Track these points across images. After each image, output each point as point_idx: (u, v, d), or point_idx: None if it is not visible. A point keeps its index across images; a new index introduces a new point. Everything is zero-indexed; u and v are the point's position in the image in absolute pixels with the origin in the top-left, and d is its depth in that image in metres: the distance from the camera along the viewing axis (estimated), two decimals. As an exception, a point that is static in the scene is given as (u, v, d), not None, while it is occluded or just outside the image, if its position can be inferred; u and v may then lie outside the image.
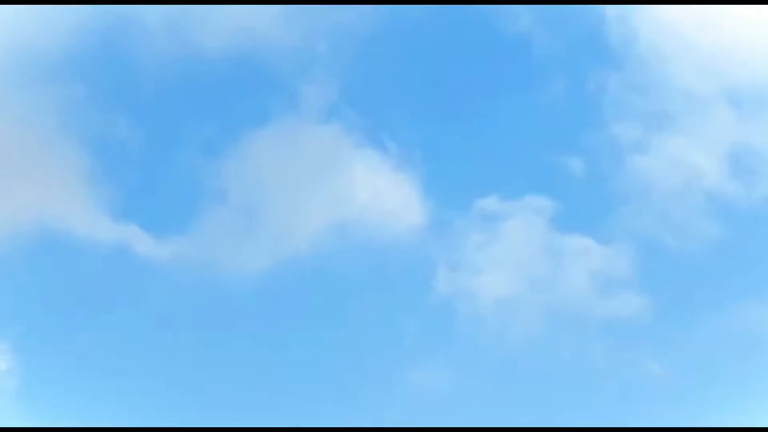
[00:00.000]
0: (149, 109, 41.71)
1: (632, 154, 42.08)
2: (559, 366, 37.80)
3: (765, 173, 42.43)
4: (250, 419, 35.37)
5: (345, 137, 41.94)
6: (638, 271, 39.99)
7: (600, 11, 42.30)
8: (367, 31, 42.84)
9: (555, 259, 40.40)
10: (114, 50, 42.32)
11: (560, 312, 39.07)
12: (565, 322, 39.09)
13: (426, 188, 41.19)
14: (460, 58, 42.76)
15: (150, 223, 39.96)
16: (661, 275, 39.92)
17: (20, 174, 39.96)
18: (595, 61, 42.41)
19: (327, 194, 40.92)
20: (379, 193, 41.04)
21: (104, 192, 40.37)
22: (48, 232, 39.37)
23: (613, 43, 42.51)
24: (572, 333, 38.76)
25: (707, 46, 43.62)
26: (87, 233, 39.41)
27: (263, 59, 42.40)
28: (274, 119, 42.06)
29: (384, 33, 43.02)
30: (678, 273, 39.86)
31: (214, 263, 39.50)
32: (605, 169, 41.86)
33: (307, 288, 39.07)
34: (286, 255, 39.74)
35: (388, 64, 42.86)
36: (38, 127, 40.84)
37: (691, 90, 43.43)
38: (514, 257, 40.48)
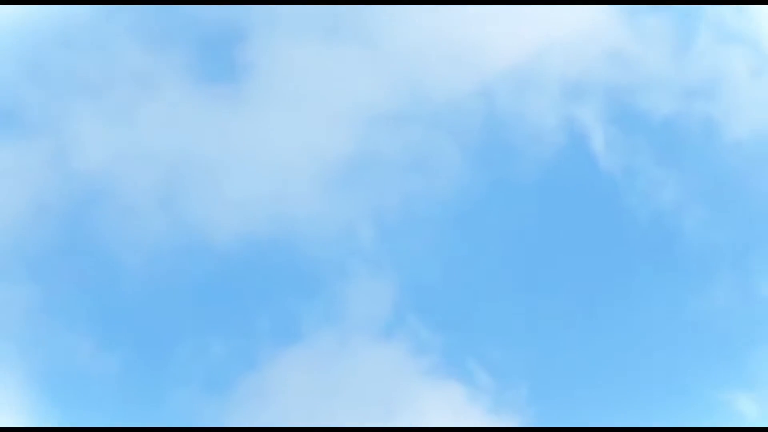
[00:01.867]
0: (128, 326, 29.35)
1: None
2: None
3: None
4: None
5: (412, 361, 29.47)
6: None
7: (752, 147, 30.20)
8: (440, 205, 30.59)
9: None
10: (80, 239, 30.13)
11: None
12: None
13: (531, 436, 28.44)
14: (574, 247, 30.10)
15: None
16: None
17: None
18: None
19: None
20: (463, 444, 28.36)
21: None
22: None
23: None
24: None
25: None
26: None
27: (293, 250, 30.25)
28: (310, 335, 29.83)
29: (465, 208, 30.77)
30: None
31: None
32: None
33: None
34: None
35: (473, 255, 30.42)
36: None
37: None
38: None
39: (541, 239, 30.53)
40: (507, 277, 30.45)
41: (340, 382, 29.49)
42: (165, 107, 30.28)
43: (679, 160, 30.61)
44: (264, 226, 30.26)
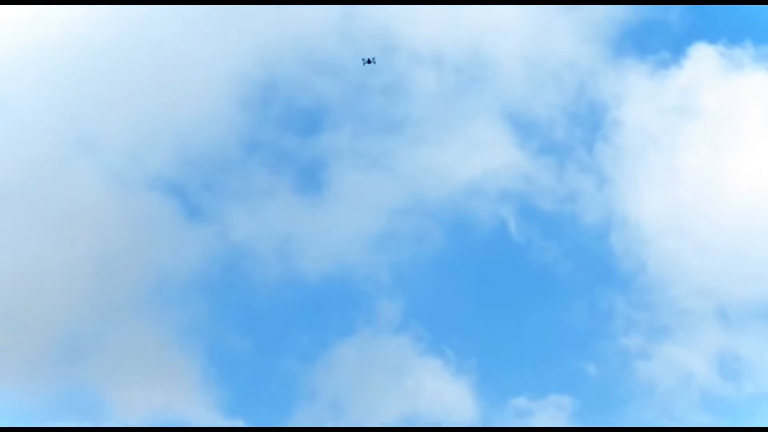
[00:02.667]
0: (258, 324, 53.49)
1: (638, 361, 53.50)
2: None
3: (750, 375, 53.86)
4: None
5: (413, 347, 53.44)
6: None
7: (612, 245, 54.32)
8: (428, 259, 55.00)
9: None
10: (233, 275, 54.50)
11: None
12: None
13: (476, 389, 52.24)
14: (501, 282, 54.66)
15: (254, 418, 51.47)
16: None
17: (152, 375, 51.61)
18: (609, 285, 54.22)
19: (399, 393, 52.01)
20: (439, 393, 52.11)
21: (218, 391, 51.87)
22: (171, 423, 50.73)
23: (624, 271, 54.50)
24: None
25: (704, 271, 56.00)
26: (201, 424, 50.92)
27: (350, 281, 54.38)
28: (357, 331, 53.72)
29: (443, 261, 55.49)
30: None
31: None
32: (616, 372, 53.16)
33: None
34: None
35: (448, 286, 55.22)
36: (168, 338, 52.67)
37: (688, 308, 55.22)
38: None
39: (484, 278, 55.11)
40: (467, 299, 54.86)
41: (372, 357, 53.63)
42: (279, 206, 55.18)
43: (557, 235, 55.39)
44: (333, 270, 54.75)
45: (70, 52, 57.24)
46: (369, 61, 54.19)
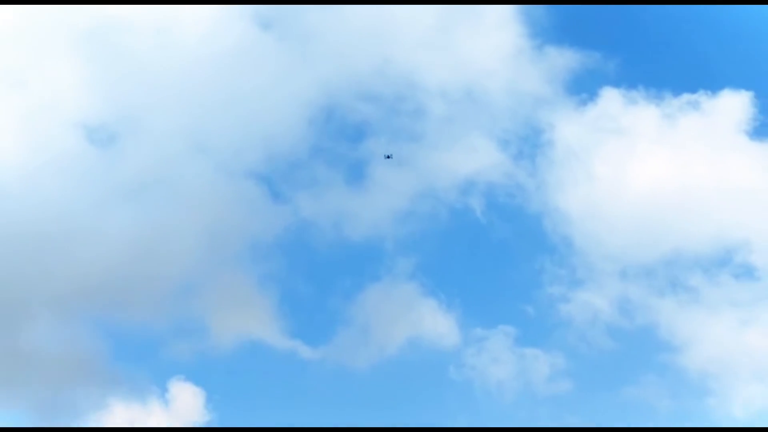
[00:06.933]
0: (316, 274, 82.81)
1: (560, 303, 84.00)
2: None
3: (640, 311, 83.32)
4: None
5: (419, 290, 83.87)
6: (569, 365, 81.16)
7: (546, 226, 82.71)
8: (438, 231, 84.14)
9: (519, 362, 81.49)
10: (301, 240, 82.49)
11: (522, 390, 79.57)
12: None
13: (457, 321, 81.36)
14: (475, 249, 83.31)
15: (309, 339, 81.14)
16: (581, 367, 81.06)
17: (242, 310, 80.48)
18: (543, 253, 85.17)
19: (406, 323, 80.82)
20: (435, 324, 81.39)
21: (286, 320, 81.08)
22: (251, 343, 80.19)
23: (554, 243, 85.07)
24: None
25: (612, 244, 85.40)
26: (273, 343, 79.84)
27: (381, 244, 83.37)
28: (382, 278, 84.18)
29: (445, 233, 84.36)
30: (590, 366, 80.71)
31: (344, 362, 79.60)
32: (546, 311, 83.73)
33: (393, 379, 79.75)
34: (384, 356, 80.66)
35: (445, 251, 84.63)
36: (255, 284, 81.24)
37: (599, 265, 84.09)
38: (494, 361, 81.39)
39: (467, 245, 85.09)
40: (456, 259, 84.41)
41: (391, 297, 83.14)
42: (335, 193, 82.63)
43: (510, 219, 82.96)
44: (370, 236, 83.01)
45: (190, 66, 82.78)
46: (388, 157, 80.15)
